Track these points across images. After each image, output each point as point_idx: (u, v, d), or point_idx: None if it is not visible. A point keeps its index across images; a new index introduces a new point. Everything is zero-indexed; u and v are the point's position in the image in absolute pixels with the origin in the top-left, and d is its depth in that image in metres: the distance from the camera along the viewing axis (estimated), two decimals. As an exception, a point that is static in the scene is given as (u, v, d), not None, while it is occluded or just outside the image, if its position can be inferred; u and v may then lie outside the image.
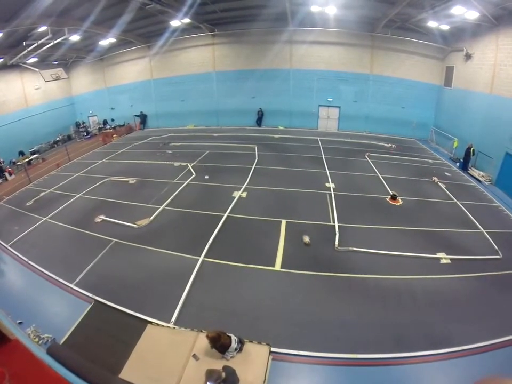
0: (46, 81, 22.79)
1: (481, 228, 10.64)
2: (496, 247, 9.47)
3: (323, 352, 6.07)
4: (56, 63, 26.30)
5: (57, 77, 22.99)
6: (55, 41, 17.90)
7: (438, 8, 14.65)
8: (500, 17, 14.73)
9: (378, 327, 6.68)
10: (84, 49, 25.09)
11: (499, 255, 9.15)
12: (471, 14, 14.53)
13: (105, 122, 30.36)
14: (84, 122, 30.51)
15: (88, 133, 29.30)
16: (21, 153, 23.59)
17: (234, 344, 5.57)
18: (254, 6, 17.79)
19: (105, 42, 22.96)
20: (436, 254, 9.08)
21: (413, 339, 6.36)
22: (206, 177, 13.98)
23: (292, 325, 6.74)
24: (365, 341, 6.33)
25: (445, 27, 18.05)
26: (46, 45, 18.24)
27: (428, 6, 15.12)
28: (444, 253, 9.13)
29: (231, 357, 5.59)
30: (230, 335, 5.64)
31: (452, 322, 6.81)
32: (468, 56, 18.53)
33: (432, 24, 17.88)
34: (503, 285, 8.05)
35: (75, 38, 19.04)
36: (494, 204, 13.10)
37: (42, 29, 16.10)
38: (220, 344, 5.49)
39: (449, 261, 8.87)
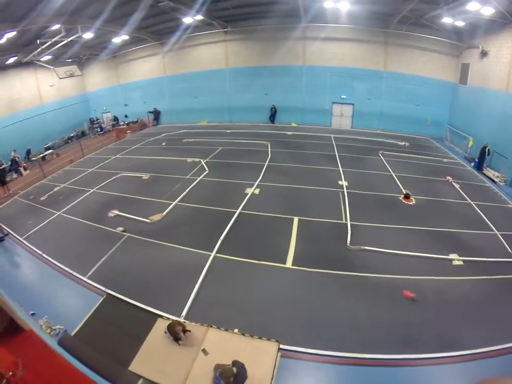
0: (60, 78, 23.10)
1: (495, 230, 10.40)
2: (510, 250, 9.27)
3: (332, 351, 6.05)
4: (69, 60, 26.78)
5: (71, 74, 23.31)
6: (69, 39, 18.11)
7: (453, 4, 14.36)
8: None
9: (388, 327, 6.62)
10: (97, 46, 25.42)
11: (513, 258, 8.95)
12: (487, 10, 14.18)
13: (115, 119, 30.73)
14: (97, 119, 30.96)
15: (102, 129, 29.75)
16: (28, 152, 23.20)
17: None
18: (266, 2, 17.72)
19: (118, 39, 23.18)
20: (448, 255, 8.93)
21: (423, 341, 6.28)
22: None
23: (301, 322, 6.75)
24: (374, 341, 6.28)
25: (460, 23, 17.67)
26: (59, 43, 18.47)
27: (443, 2, 14.80)
28: (456, 254, 8.96)
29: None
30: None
31: (463, 325, 6.70)
32: (484, 54, 18.10)
33: (447, 20, 17.50)
34: None
35: (88, 35, 19.22)
36: (509, 205, 12.78)
37: (56, 27, 16.33)
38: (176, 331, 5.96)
39: (461, 263, 8.71)
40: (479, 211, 11.72)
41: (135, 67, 29.03)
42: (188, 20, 20.00)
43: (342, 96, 24.60)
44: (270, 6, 18.49)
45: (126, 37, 22.81)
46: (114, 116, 30.91)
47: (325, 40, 22.93)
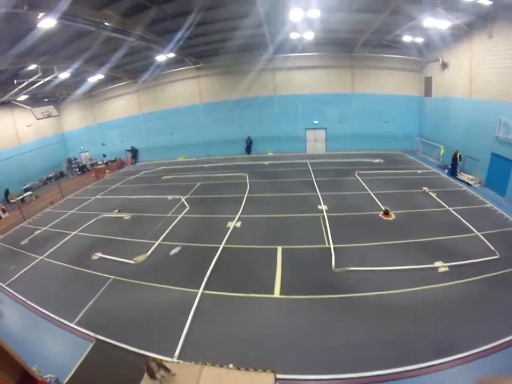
0: (37, 119, 23.15)
1: (476, 231, 10.80)
2: (492, 248, 9.62)
3: (330, 374, 6.02)
4: (46, 100, 26.97)
5: (48, 114, 23.39)
6: (45, 79, 18.38)
7: (411, 23, 15.31)
8: (472, 23, 15.32)
9: (383, 343, 6.64)
10: (73, 86, 25.64)
11: (497, 255, 9.29)
12: (443, 24, 15.03)
13: (83, 167, 29.73)
14: (75, 159, 30.78)
15: (80, 168, 29.45)
16: (6, 192, 22.97)
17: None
18: (235, 37, 18.50)
19: (93, 79, 23.52)
20: (433, 264, 9.14)
21: (419, 351, 6.33)
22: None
23: (295, 350, 6.68)
24: (371, 359, 6.28)
25: (420, 40, 18.86)
26: (36, 83, 18.71)
27: (401, 22, 15.81)
28: (441, 261, 9.19)
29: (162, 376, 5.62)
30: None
31: (456, 328, 6.82)
32: (444, 65, 19.32)
33: (407, 38, 18.66)
34: (503, 284, 8.15)
35: (64, 75, 19.54)
36: (486, 205, 13.34)
37: (32, 67, 16.60)
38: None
39: (447, 269, 8.92)
40: (458, 215, 12.15)
41: (111, 106, 29.34)
42: (160, 58, 20.50)
43: (314, 122, 25.42)
44: (239, 40, 19.27)
45: (101, 76, 23.16)
46: (83, 165, 30.16)
47: (294, 69, 24.01)
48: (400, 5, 13.06)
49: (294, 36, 18.31)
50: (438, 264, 9.12)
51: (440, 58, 19.56)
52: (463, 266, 8.97)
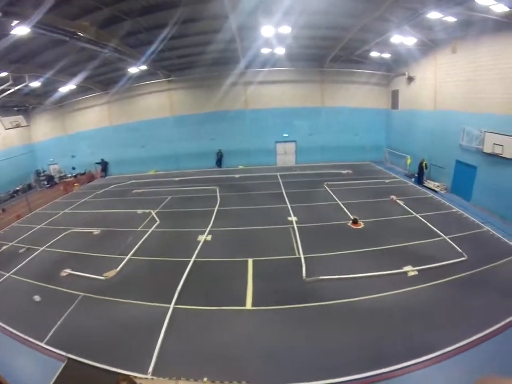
0: (6, 129, 22.26)
1: (443, 235, 11.33)
2: (460, 250, 10.14)
3: (305, 382, 6.05)
4: (16, 109, 26.08)
5: (17, 124, 22.67)
6: (16, 88, 17.88)
7: (379, 40, 16.14)
8: (437, 39, 16.23)
9: (357, 348, 6.77)
10: (44, 95, 24.92)
11: (464, 256, 9.80)
12: (409, 40, 15.89)
13: (51, 179, 28.73)
14: (44, 171, 29.66)
15: (48, 181, 28.33)
16: None
17: None
18: (208, 51, 18.73)
19: (65, 89, 22.94)
20: (402, 269, 9.47)
21: (393, 353, 6.50)
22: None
23: (270, 360, 6.70)
24: (346, 364, 6.38)
25: (387, 55, 19.87)
26: (6, 91, 18.17)
27: (370, 39, 16.62)
28: (410, 266, 9.54)
29: None
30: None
31: (428, 330, 7.06)
32: (410, 79, 20.46)
33: (374, 54, 19.62)
34: (472, 283, 8.60)
35: (36, 84, 19.07)
36: (453, 210, 14.06)
37: (3, 74, 16.12)
38: None
39: (416, 272, 9.27)
40: (425, 221, 12.72)
41: (81, 117, 28.59)
42: (133, 70, 20.38)
43: (284, 135, 25.92)
44: (211, 54, 19.54)
45: (72, 86, 22.65)
46: (50, 176, 29.05)
47: (265, 83, 24.54)
48: (368, 23, 13.71)
49: (265, 51, 18.84)
50: (407, 268, 9.45)
51: (406, 73, 20.66)
52: (432, 269, 9.36)
